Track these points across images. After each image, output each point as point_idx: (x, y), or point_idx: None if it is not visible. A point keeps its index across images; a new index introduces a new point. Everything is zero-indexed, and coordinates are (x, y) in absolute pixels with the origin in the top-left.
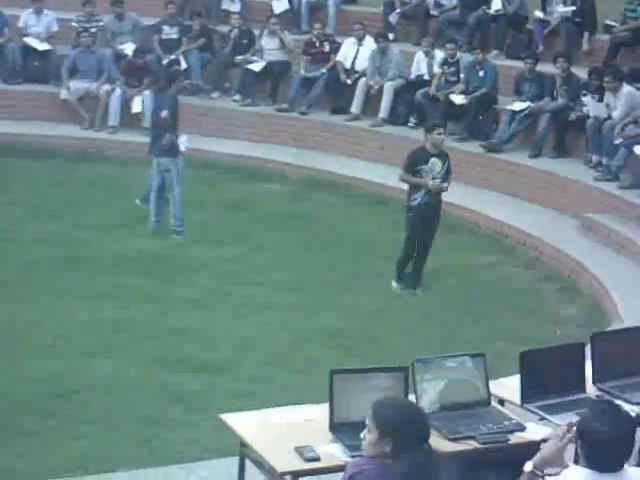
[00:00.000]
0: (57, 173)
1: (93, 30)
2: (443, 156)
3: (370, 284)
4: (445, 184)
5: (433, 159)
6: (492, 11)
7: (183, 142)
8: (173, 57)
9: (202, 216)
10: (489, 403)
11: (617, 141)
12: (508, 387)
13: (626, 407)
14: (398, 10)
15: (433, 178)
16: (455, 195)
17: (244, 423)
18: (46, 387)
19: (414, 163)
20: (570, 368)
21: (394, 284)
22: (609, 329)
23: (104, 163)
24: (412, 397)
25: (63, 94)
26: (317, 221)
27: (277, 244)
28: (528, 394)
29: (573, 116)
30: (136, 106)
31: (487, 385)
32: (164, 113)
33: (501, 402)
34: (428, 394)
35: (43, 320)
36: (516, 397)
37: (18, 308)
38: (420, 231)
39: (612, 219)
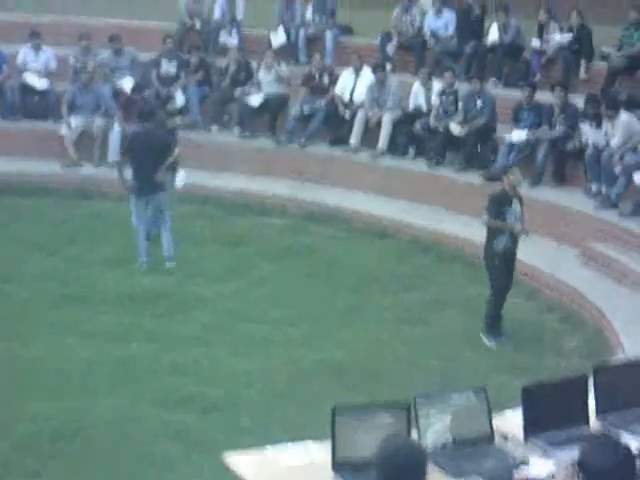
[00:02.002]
0: (57, 210)
1: (91, 66)
2: (520, 198)
3: (371, 317)
4: (526, 228)
5: (514, 202)
6: (489, 43)
7: (181, 178)
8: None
9: (201, 251)
10: (492, 438)
11: (616, 169)
12: (511, 421)
13: (631, 439)
14: (395, 41)
15: (516, 221)
16: (455, 226)
17: (244, 463)
18: (47, 427)
19: (499, 206)
20: (573, 401)
21: (490, 342)
22: (611, 361)
23: (103, 199)
24: (415, 433)
25: (63, 130)
26: (317, 254)
27: (277, 278)
28: (531, 428)
29: (572, 145)
30: None
31: (490, 420)
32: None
33: (504, 436)
34: (430, 430)
35: (44, 358)
36: (519, 431)
37: (18, 346)
38: (507, 277)
39: (613, 248)
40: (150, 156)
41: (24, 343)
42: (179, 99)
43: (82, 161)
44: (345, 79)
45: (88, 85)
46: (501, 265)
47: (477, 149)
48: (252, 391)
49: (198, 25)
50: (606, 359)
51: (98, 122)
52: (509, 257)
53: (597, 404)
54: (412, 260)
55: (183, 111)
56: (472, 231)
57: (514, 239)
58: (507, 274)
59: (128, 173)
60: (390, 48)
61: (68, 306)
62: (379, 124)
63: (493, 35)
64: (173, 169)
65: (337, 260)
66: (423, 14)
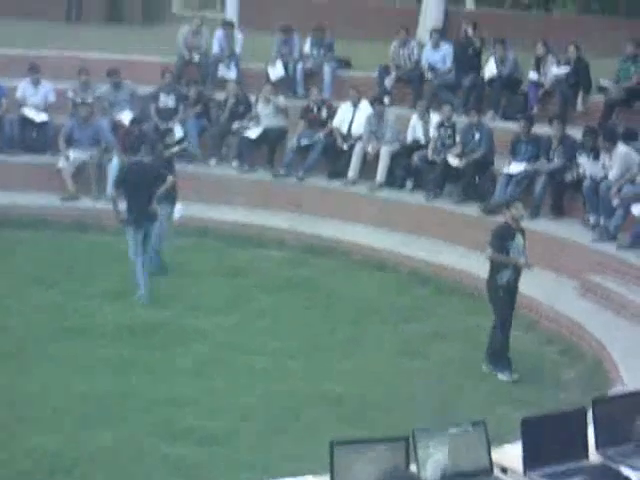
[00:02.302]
0: (55, 243)
1: (89, 100)
2: (523, 231)
3: (370, 349)
4: (530, 261)
5: (518, 235)
6: (486, 76)
7: (178, 210)
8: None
9: (200, 284)
10: (491, 472)
11: (614, 201)
12: (510, 455)
13: (630, 473)
14: (393, 74)
15: (519, 254)
16: (454, 258)
17: None
18: (47, 460)
19: (502, 240)
20: (573, 434)
21: (505, 376)
22: (611, 393)
23: (102, 232)
24: (414, 466)
25: (60, 163)
26: (316, 287)
27: (276, 310)
28: (531, 462)
29: (570, 177)
30: None
31: (489, 453)
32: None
33: (504, 470)
34: (429, 464)
35: (43, 391)
36: (518, 465)
37: (17, 379)
38: (510, 310)
39: (611, 280)
40: (144, 187)
41: (23, 376)
42: (178, 132)
43: (80, 194)
44: (343, 112)
45: (87, 119)
46: (505, 297)
47: (475, 181)
48: (251, 424)
49: (197, 59)
50: (606, 391)
51: (96, 155)
52: (512, 290)
53: (597, 437)
54: (411, 292)
55: (181, 142)
56: (471, 263)
57: (517, 272)
58: (510, 305)
59: (122, 205)
60: (388, 81)
61: (67, 339)
62: (377, 157)
63: (490, 68)
64: (172, 201)
65: (336, 292)
66: (421, 47)
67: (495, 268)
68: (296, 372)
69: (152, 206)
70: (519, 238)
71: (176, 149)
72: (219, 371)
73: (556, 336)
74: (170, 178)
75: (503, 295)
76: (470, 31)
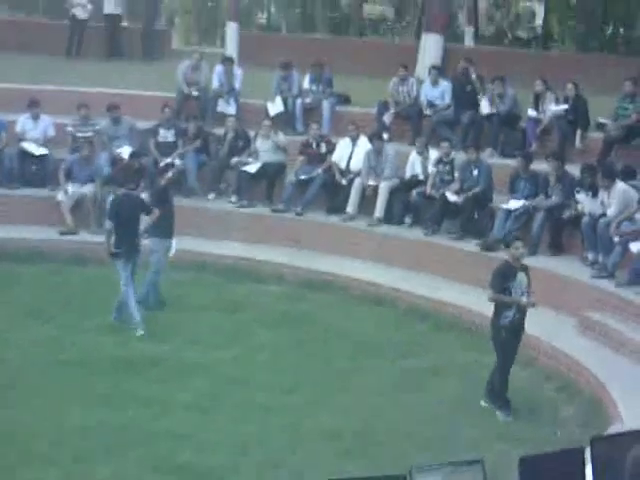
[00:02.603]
0: (52, 276)
1: (89, 134)
2: (526, 270)
3: (368, 385)
4: (533, 299)
5: (520, 274)
6: (484, 110)
7: (172, 245)
8: (169, 160)
9: (199, 318)
10: None
11: (615, 239)
12: None
13: None
14: (392, 110)
15: (522, 294)
16: (452, 293)
17: None
18: None
19: (503, 280)
20: (571, 473)
21: (502, 416)
22: (609, 432)
23: (100, 266)
24: None
25: (59, 197)
26: (314, 321)
27: (274, 345)
28: None
29: (568, 214)
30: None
31: None
32: None
33: None
34: None
35: (40, 425)
36: None
37: (15, 413)
38: (513, 351)
39: (610, 317)
40: (133, 220)
41: (20, 409)
42: (177, 167)
43: (79, 228)
44: (342, 148)
45: (89, 156)
46: (508, 337)
47: (474, 217)
48: (249, 459)
49: (196, 94)
50: (604, 430)
51: (95, 189)
52: (516, 330)
53: (594, 476)
54: (409, 327)
55: (180, 178)
56: (469, 299)
57: (522, 312)
58: (513, 348)
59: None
60: (387, 117)
61: (64, 373)
62: (376, 192)
63: (485, 108)
64: (168, 235)
65: (334, 327)
66: (420, 84)
67: (498, 308)
68: (295, 406)
69: (139, 239)
70: (521, 277)
71: (169, 175)
72: (218, 405)
73: (555, 373)
74: (156, 211)
75: (506, 336)
76: (469, 68)
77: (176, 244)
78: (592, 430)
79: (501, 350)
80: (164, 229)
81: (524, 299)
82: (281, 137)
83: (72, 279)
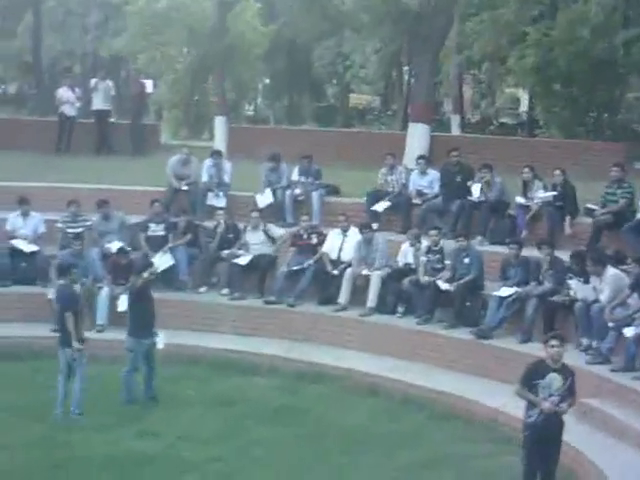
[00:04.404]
0: (43, 375)
1: (79, 230)
2: (566, 372)
3: (363, 479)
4: (564, 405)
5: (552, 374)
6: (474, 198)
7: (160, 340)
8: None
9: (190, 414)
10: None
11: (610, 324)
12: None
13: None
14: (387, 201)
15: (550, 395)
16: (447, 383)
17: None
18: None
19: (531, 377)
20: None
21: None
22: None
23: (92, 362)
24: None
25: (51, 294)
26: (308, 414)
27: (268, 440)
28: None
29: (560, 300)
30: (122, 305)
31: None
32: None
33: None
34: None
35: None
36: None
37: None
38: (537, 454)
39: (607, 403)
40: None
41: None
42: (167, 261)
43: None
44: (333, 238)
45: (80, 253)
46: (531, 439)
47: (466, 305)
48: None
49: (186, 187)
50: None
51: (86, 285)
52: (540, 433)
53: None
54: (404, 418)
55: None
56: (464, 387)
57: (549, 418)
58: (539, 452)
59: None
60: (379, 207)
61: (55, 474)
62: (367, 282)
63: (476, 191)
64: (146, 335)
65: (328, 420)
66: (408, 172)
67: (526, 405)
68: None
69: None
70: (553, 377)
71: (145, 275)
72: None
73: None
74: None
75: (529, 436)
76: (456, 157)
77: (164, 338)
78: None
79: (524, 452)
80: (141, 329)
81: (546, 403)
82: (274, 229)
83: None
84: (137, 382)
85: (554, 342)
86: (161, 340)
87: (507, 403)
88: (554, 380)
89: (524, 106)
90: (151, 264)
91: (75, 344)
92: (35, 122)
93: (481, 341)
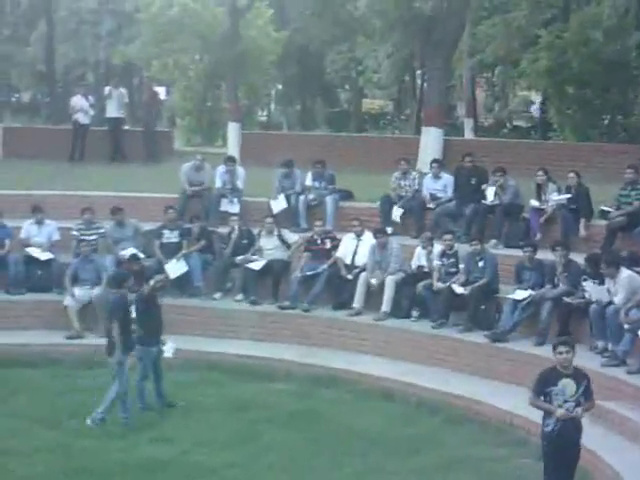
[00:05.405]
0: (59, 381)
1: (93, 237)
2: (580, 377)
3: None
4: (579, 409)
5: (565, 380)
6: (488, 202)
7: (169, 348)
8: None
9: (206, 419)
10: None
11: (626, 326)
12: None
13: None
14: (400, 207)
15: (565, 402)
16: (462, 386)
17: None
18: None
19: (543, 385)
20: None
21: None
22: None
23: (107, 369)
24: None
25: (66, 301)
26: (323, 419)
27: (284, 445)
28: None
29: (575, 302)
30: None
31: None
32: None
33: None
34: None
35: None
36: None
37: None
38: (558, 463)
39: (623, 405)
40: (129, 318)
41: None
42: (181, 268)
43: (86, 331)
44: (347, 243)
45: (88, 256)
46: (550, 449)
47: (481, 309)
48: None
49: (199, 194)
50: None
51: (99, 292)
52: (558, 442)
53: None
54: (419, 422)
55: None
56: (480, 391)
57: (566, 425)
58: (560, 460)
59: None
60: (396, 214)
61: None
62: (382, 287)
63: (490, 195)
64: (154, 342)
65: (343, 424)
66: (421, 177)
67: (543, 415)
68: None
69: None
70: (566, 383)
71: (152, 283)
72: None
73: None
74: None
75: (548, 446)
76: (470, 162)
77: (175, 345)
78: None
79: (545, 464)
80: (149, 336)
81: (560, 410)
82: (289, 235)
83: (79, 384)
84: (149, 390)
85: (562, 348)
86: (170, 349)
87: (519, 405)
88: (567, 386)
89: (536, 105)
90: (159, 272)
91: (117, 354)
92: (49, 130)
93: (496, 344)
